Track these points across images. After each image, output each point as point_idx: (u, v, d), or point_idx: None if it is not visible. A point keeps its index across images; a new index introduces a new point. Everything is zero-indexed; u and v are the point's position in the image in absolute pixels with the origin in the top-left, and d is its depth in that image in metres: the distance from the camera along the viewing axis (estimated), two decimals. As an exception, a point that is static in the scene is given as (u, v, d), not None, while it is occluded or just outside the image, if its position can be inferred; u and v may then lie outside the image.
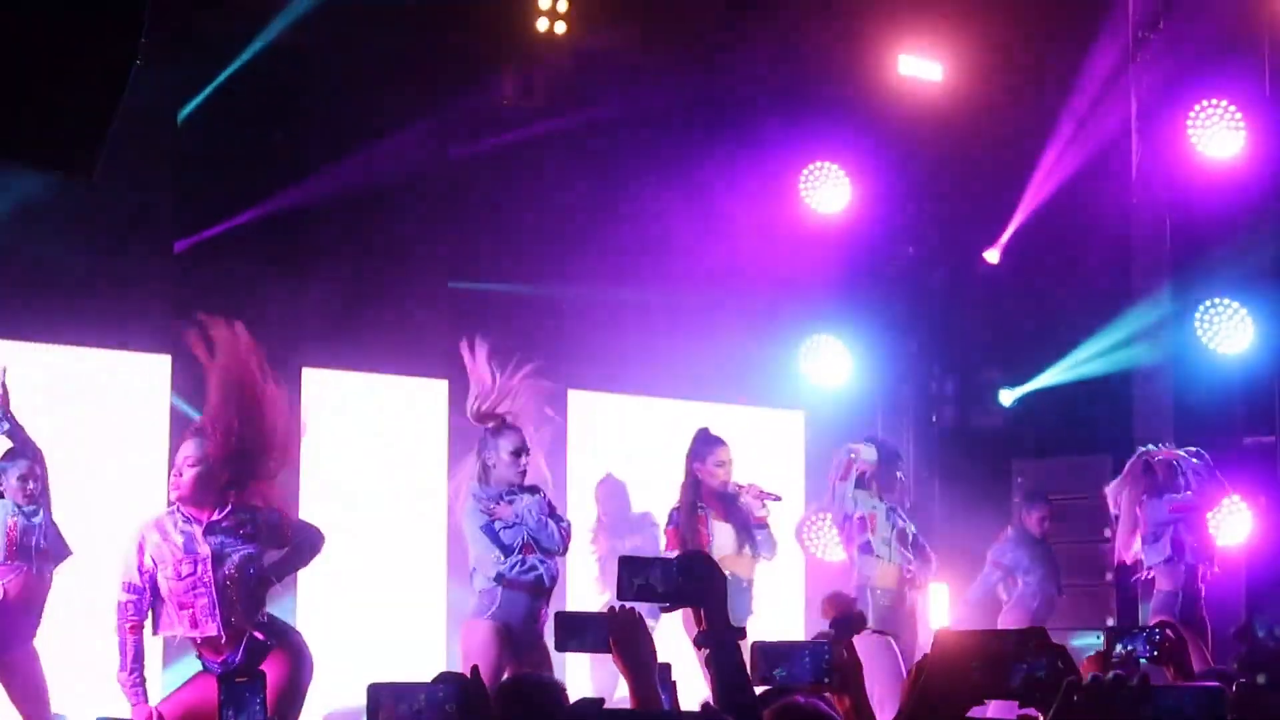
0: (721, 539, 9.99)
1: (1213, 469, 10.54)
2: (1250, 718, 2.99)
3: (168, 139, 11.08)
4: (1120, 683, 3.20)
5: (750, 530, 10.12)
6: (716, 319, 12.66)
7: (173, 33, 10.08)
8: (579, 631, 4.36)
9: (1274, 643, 2.62)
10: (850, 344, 13.31)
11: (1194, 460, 10.56)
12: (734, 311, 12.72)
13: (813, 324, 13.28)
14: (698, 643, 3.99)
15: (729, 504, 10.10)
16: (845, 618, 8.84)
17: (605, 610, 4.37)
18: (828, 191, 13.37)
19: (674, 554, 9.65)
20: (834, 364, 13.31)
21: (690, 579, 4.05)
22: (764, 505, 10.17)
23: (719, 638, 3.94)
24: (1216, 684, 5.08)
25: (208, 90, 11.12)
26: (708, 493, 10.07)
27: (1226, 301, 12.33)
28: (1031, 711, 3.42)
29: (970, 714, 3.50)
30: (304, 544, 8.07)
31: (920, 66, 13.41)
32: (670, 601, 4.15)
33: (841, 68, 13.15)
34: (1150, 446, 10.70)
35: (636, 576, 4.15)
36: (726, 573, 9.11)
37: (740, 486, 10.15)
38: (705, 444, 10.15)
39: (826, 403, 13.23)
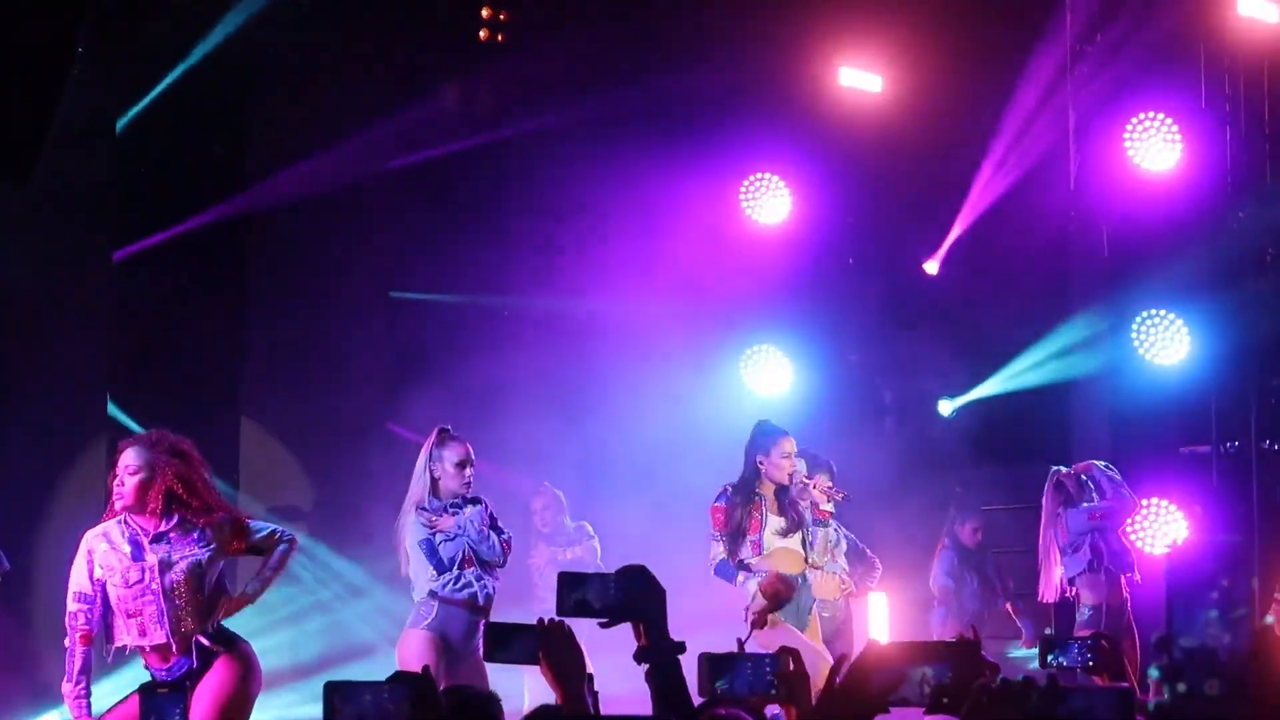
0: (772, 530, 9.61)
1: (1121, 482, 10.63)
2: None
3: (107, 148, 11.02)
4: (1030, 684, 3.23)
5: (806, 528, 9.73)
6: (658, 329, 12.68)
7: (113, 42, 10.04)
8: (508, 642, 4.35)
9: (1193, 649, 2.65)
10: (791, 354, 13.34)
11: (1107, 470, 10.66)
12: (675, 322, 12.74)
13: (753, 334, 13.31)
14: (637, 658, 3.98)
15: (786, 498, 9.69)
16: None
17: (535, 622, 4.37)
18: (768, 202, 13.40)
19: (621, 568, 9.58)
20: (774, 374, 13.34)
21: (628, 594, 4.03)
22: (830, 500, 9.90)
23: (659, 652, 3.93)
24: (1126, 685, 5.13)
25: (147, 100, 11.09)
26: (768, 484, 9.64)
27: (1163, 313, 12.40)
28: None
29: None
30: (273, 548, 8.02)
31: (860, 78, 13.46)
32: (608, 616, 4.14)
33: (782, 79, 13.20)
34: (1059, 467, 10.80)
35: (574, 591, 4.14)
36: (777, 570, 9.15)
37: (808, 480, 9.83)
38: (768, 436, 9.73)
39: (766, 413, 13.23)
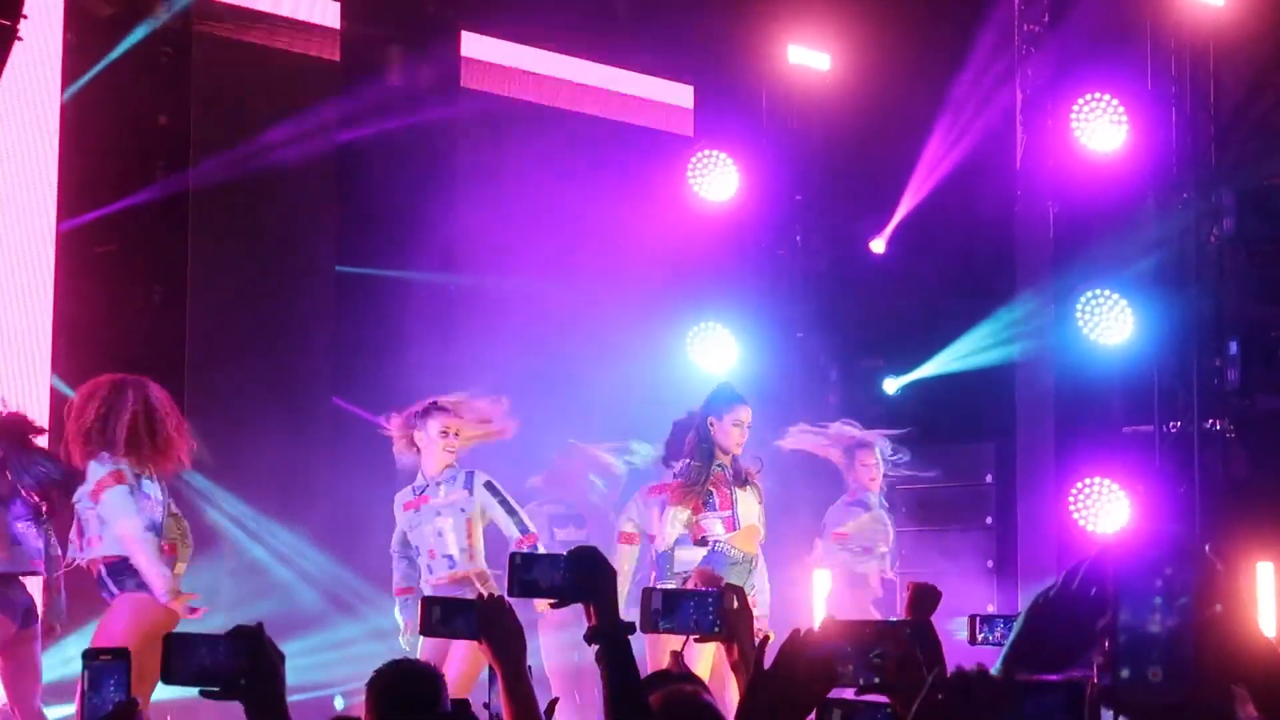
0: (743, 504, 9.37)
1: None
2: (1124, 712, 3.03)
3: (52, 119, 10.95)
4: (984, 674, 3.23)
5: (762, 501, 9.51)
6: (604, 307, 12.68)
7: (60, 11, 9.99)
8: (448, 618, 4.35)
9: (1137, 635, 2.66)
10: (737, 331, 13.36)
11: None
12: (622, 299, 12.74)
13: (700, 311, 13.32)
14: (588, 639, 3.98)
15: (742, 470, 9.49)
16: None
17: (475, 597, 4.37)
18: (716, 179, 13.41)
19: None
20: (721, 351, 13.36)
21: (578, 575, 4.03)
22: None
23: (609, 634, 3.94)
24: (1080, 675, 5.17)
25: (94, 70, 11.01)
26: (717, 451, 9.38)
27: (1107, 293, 12.47)
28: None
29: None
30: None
31: (809, 56, 13.48)
32: (557, 597, 4.15)
33: (731, 57, 13.20)
34: None
35: (524, 572, 4.14)
36: (731, 549, 9.03)
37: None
38: (726, 400, 9.50)
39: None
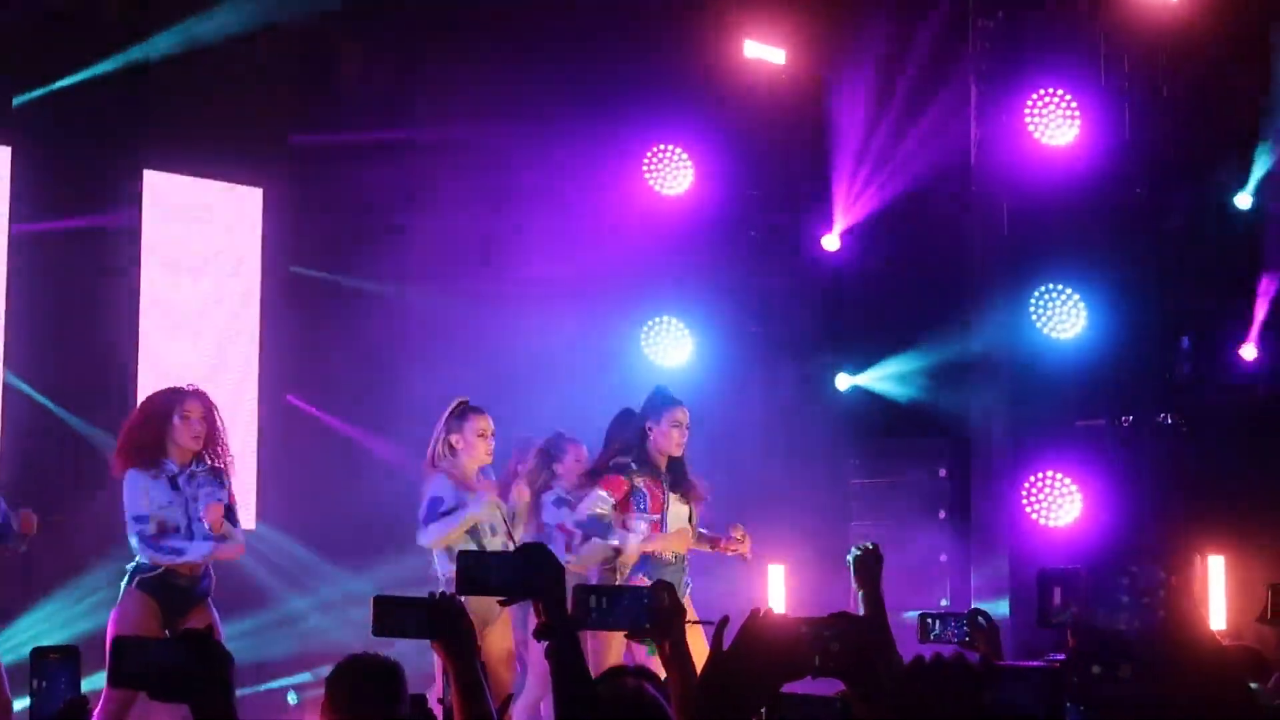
0: (672, 508, 9.32)
1: None
2: (1091, 708, 3.03)
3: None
4: (961, 661, 3.22)
5: (695, 503, 9.47)
6: (559, 300, 12.66)
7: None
8: (400, 617, 4.33)
9: (1106, 632, 2.66)
10: (692, 326, 13.36)
11: None
12: (576, 293, 12.72)
13: (655, 306, 13.30)
14: (536, 635, 3.99)
15: (680, 473, 9.45)
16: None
17: (427, 596, 4.35)
18: (671, 174, 13.40)
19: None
20: (675, 346, 13.35)
21: (526, 572, 4.03)
22: (736, 550, 9.51)
23: (558, 630, 3.94)
24: (1055, 664, 5.17)
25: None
26: (656, 454, 9.35)
27: (1061, 287, 12.51)
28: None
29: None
30: None
31: (764, 51, 13.49)
32: (507, 594, 4.14)
33: (686, 51, 13.19)
34: None
35: (473, 569, 4.14)
36: (669, 555, 9.01)
37: (743, 537, 9.49)
38: (663, 402, 9.47)
39: (667, 385, 13.26)
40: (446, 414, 9.13)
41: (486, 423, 9.12)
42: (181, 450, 8.73)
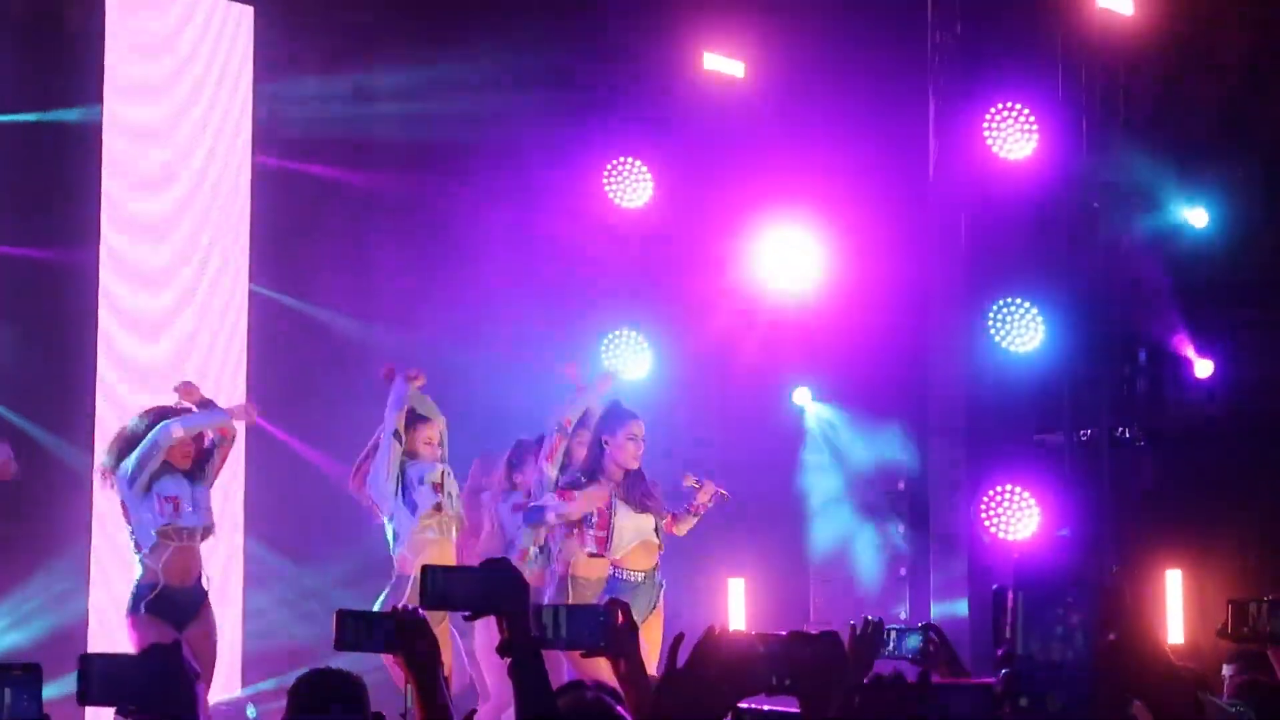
0: (624, 522, 9.25)
1: None
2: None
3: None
4: (899, 678, 3.25)
5: (660, 516, 9.43)
6: (518, 312, 12.65)
7: None
8: (363, 630, 4.31)
9: (1037, 663, 2.65)
10: (651, 338, 13.34)
11: None
12: (536, 305, 12.71)
13: (615, 318, 13.29)
14: (500, 651, 3.98)
15: (638, 486, 9.39)
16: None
17: (389, 610, 4.34)
18: (631, 187, 13.40)
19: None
20: (635, 358, 13.33)
21: (490, 587, 4.03)
22: (711, 499, 9.66)
23: (521, 647, 3.93)
24: (991, 680, 5.17)
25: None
26: (614, 468, 9.33)
27: (1018, 301, 12.54)
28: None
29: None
30: None
31: (723, 64, 13.50)
32: (470, 609, 4.14)
33: (645, 64, 13.21)
34: None
35: (437, 584, 4.13)
36: (629, 573, 9.03)
37: (698, 484, 9.65)
38: (617, 417, 9.46)
39: (627, 396, 13.24)
40: None
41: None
42: None
